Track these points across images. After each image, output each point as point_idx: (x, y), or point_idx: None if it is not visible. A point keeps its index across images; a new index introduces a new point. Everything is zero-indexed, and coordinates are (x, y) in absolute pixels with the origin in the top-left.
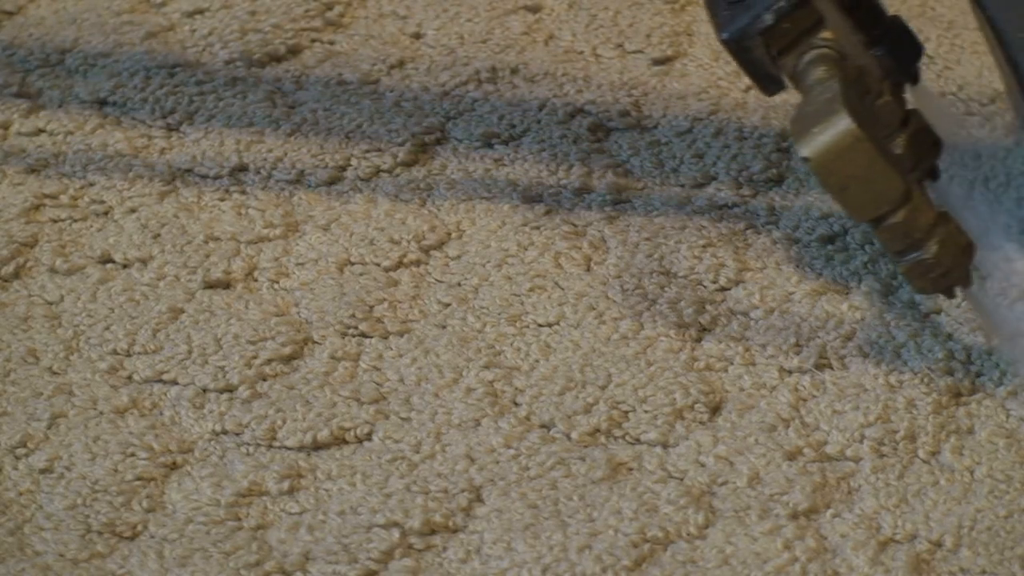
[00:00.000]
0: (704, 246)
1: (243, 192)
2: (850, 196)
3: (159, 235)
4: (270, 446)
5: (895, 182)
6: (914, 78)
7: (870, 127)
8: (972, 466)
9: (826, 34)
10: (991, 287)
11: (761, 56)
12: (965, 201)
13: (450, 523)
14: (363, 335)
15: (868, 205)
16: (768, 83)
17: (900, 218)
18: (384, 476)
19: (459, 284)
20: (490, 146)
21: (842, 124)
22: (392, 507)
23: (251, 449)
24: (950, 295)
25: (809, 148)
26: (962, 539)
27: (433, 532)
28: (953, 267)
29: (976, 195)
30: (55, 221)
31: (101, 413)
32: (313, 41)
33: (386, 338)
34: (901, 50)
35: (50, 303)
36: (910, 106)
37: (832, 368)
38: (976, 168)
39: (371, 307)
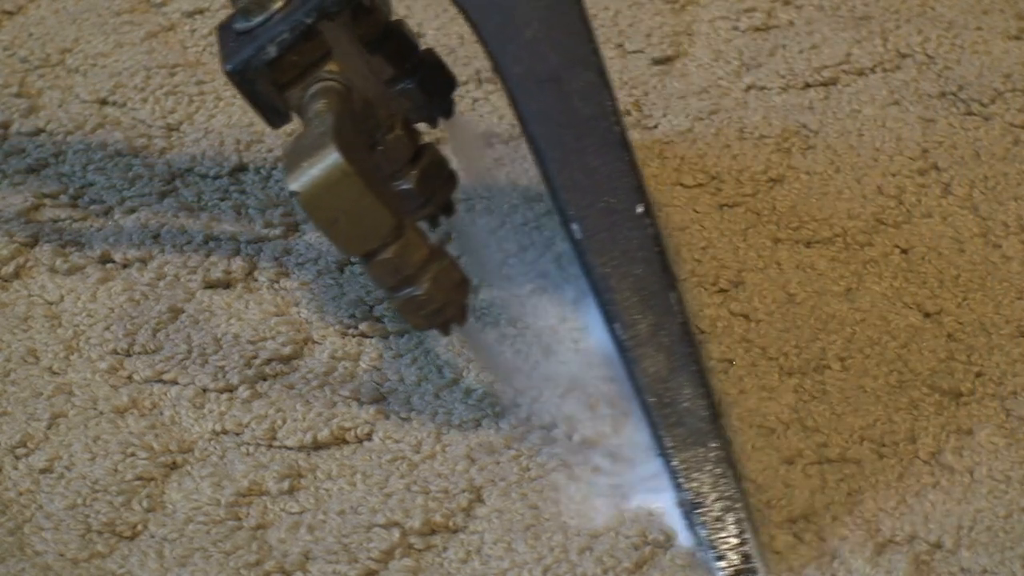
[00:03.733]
0: (704, 247)
1: (243, 192)
2: (339, 231)
3: (159, 235)
4: (270, 446)
5: (385, 217)
6: (447, 112)
7: (362, 161)
8: (972, 467)
9: (331, 66)
10: (520, 325)
11: (267, 89)
12: (488, 238)
13: (450, 523)
14: (363, 335)
15: (358, 240)
16: (273, 116)
17: (391, 254)
18: (384, 476)
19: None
20: (490, 146)
21: (330, 158)
22: (392, 507)
23: (251, 449)
24: (446, 332)
25: (297, 182)
26: (962, 540)
27: (433, 532)
28: (447, 304)
29: (500, 232)
30: (55, 221)
31: (101, 413)
32: None
33: (386, 338)
34: (433, 84)
35: (50, 303)
36: (424, 140)
37: (832, 369)
38: (506, 205)
39: (371, 307)
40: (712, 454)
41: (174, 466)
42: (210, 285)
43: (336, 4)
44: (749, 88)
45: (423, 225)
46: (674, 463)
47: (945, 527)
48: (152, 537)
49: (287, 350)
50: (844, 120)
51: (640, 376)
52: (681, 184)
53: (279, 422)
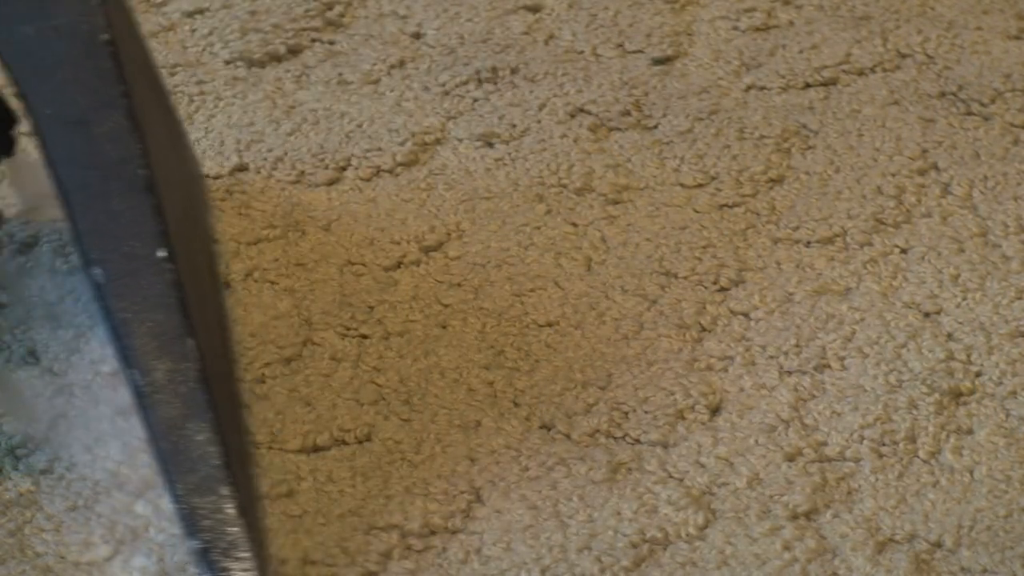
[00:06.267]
0: (704, 246)
1: (243, 192)
2: None
3: None
4: (270, 448)
5: None
6: (7, 149)
7: None
8: (972, 466)
9: None
10: (62, 367)
11: None
12: (42, 278)
13: (449, 524)
14: (363, 336)
15: None
16: None
17: None
18: (384, 478)
19: (459, 284)
20: (490, 146)
21: None
22: (392, 509)
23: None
24: None
25: None
26: (962, 539)
27: (433, 533)
28: None
29: (54, 273)
30: (55, 221)
31: (102, 414)
32: (313, 41)
33: (386, 338)
34: None
35: (50, 303)
36: None
37: (832, 369)
38: (63, 244)
39: (371, 307)
40: (223, 502)
41: None
42: None
43: None
44: (749, 88)
45: None
46: (185, 509)
47: (945, 526)
48: (153, 540)
49: (287, 351)
50: (844, 120)
51: (155, 422)
52: (681, 184)
53: (279, 424)
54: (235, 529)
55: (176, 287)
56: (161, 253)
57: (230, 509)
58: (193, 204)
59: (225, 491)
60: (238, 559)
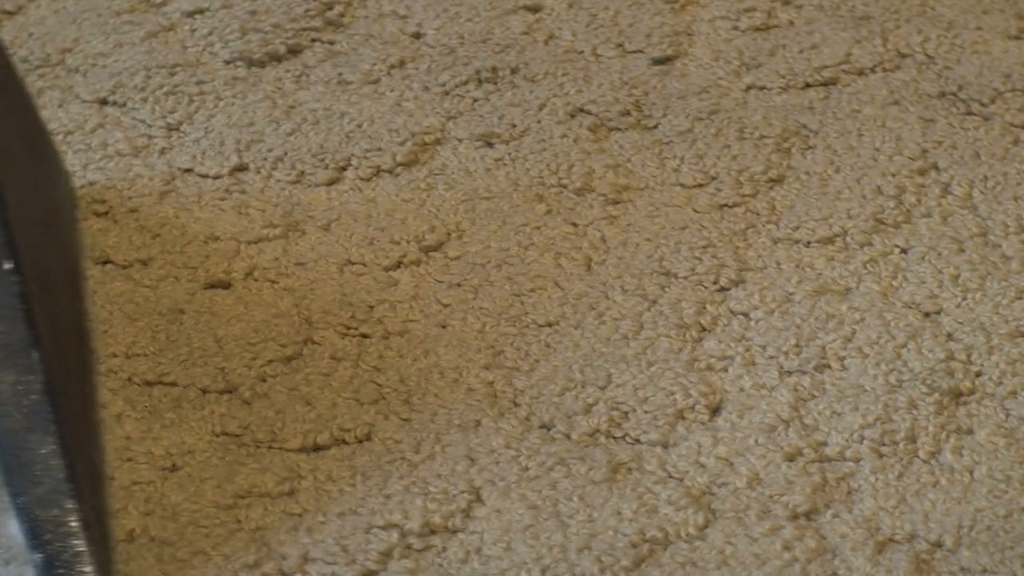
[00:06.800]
0: (704, 246)
1: (243, 192)
2: None
3: (159, 235)
4: (270, 447)
5: None
6: None
7: None
8: (972, 466)
9: None
10: None
11: None
12: None
13: (449, 524)
14: (363, 335)
15: None
16: None
17: None
18: (384, 477)
19: (459, 284)
20: (490, 146)
21: None
22: (392, 508)
23: (251, 450)
24: None
25: None
26: (962, 539)
27: (432, 533)
28: None
29: None
30: None
31: (102, 416)
32: (313, 41)
33: (386, 338)
34: None
35: None
36: None
37: (832, 369)
38: None
39: (371, 307)
40: (67, 516)
41: (174, 468)
42: (210, 285)
43: None
44: (749, 88)
45: None
46: (28, 522)
47: (945, 526)
48: (152, 540)
49: (287, 350)
50: (844, 120)
51: None
52: (681, 184)
53: (279, 423)
54: (79, 543)
55: (22, 299)
56: (7, 265)
57: (74, 523)
58: (56, 220)
59: (69, 504)
60: (81, 573)
